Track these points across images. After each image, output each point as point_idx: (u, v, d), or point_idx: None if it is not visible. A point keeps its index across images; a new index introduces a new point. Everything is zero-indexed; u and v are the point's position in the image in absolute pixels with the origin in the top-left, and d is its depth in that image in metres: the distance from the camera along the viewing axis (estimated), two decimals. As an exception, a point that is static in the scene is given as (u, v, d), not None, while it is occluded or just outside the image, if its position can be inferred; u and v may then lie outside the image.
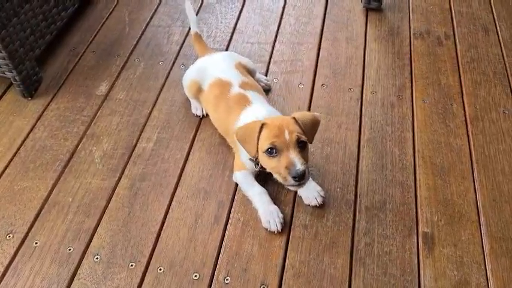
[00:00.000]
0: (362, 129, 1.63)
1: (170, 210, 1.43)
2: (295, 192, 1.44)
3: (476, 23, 2.05)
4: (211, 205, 1.43)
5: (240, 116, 1.41)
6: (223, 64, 1.57)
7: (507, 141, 1.59)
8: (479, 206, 1.42)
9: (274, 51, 1.94)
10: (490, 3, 2.16)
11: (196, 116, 1.67)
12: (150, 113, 1.70)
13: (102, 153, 1.58)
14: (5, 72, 1.68)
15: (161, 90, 1.78)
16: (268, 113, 1.40)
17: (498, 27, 2.03)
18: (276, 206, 1.38)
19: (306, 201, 1.41)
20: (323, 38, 2.00)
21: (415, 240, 1.34)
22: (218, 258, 1.31)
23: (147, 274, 1.29)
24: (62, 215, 1.42)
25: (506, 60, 1.88)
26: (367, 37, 2.00)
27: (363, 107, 1.70)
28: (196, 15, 2.10)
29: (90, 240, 1.36)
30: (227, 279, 1.27)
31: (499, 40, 1.97)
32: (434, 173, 1.50)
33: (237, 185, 1.47)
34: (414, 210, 1.41)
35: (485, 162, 1.53)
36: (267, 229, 1.35)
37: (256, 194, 1.39)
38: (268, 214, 1.35)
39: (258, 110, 1.41)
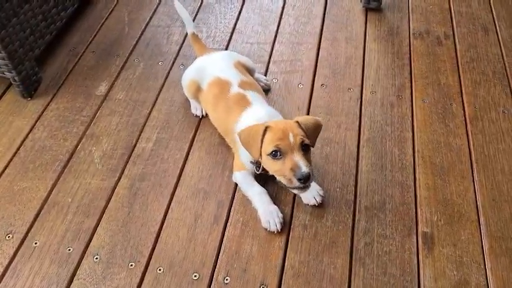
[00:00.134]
0: (361, 129, 1.63)
1: (170, 210, 1.43)
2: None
3: (476, 23, 2.05)
4: (210, 205, 1.43)
5: (240, 117, 1.41)
6: (222, 63, 1.57)
7: (507, 141, 1.59)
8: (479, 205, 1.42)
9: (274, 51, 1.94)
10: (490, 3, 2.16)
11: (196, 116, 1.67)
12: (149, 113, 1.70)
13: (102, 153, 1.58)
14: (5, 73, 1.68)
15: (161, 90, 1.78)
16: (268, 114, 1.40)
17: (498, 27, 2.03)
18: (275, 206, 1.38)
19: (305, 201, 1.41)
20: (322, 38, 2.00)
21: (415, 240, 1.34)
22: (218, 259, 1.31)
23: (146, 274, 1.29)
24: (61, 215, 1.42)
25: (506, 60, 1.88)
26: (367, 37, 2.00)
27: (363, 107, 1.70)
28: (196, 15, 2.11)
29: (90, 241, 1.36)
30: (227, 280, 1.27)
31: (498, 40, 1.97)
32: (434, 173, 1.50)
33: (236, 185, 1.47)
34: (414, 210, 1.41)
35: (485, 162, 1.53)
36: (266, 229, 1.35)
37: (256, 194, 1.39)
38: (268, 214, 1.35)
39: (258, 111, 1.41)
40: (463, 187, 1.46)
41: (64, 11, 1.93)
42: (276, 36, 2.01)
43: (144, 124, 1.66)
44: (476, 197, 1.44)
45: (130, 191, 1.47)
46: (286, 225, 1.37)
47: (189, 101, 1.70)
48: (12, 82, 1.71)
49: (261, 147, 1.26)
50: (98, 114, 1.70)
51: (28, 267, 1.30)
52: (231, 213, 1.41)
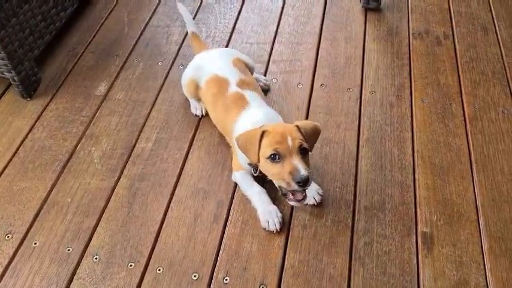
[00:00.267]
0: (361, 129, 1.63)
1: (169, 209, 1.43)
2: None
3: (475, 23, 2.06)
4: (210, 204, 1.43)
5: (239, 117, 1.41)
6: (220, 61, 1.56)
7: (506, 141, 1.59)
8: (479, 205, 1.42)
9: (273, 51, 1.94)
10: (489, 3, 2.16)
11: (196, 115, 1.67)
12: (149, 113, 1.70)
13: (101, 153, 1.58)
14: (4, 73, 1.68)
15: (160, 90, 1.78)
16: (266, 115, 1.40)
17: (497, 27, 2.03)
18: (275, 206, 1.38)
19: (305, 200, 1.40)
20: (322, 38, 2.00)
21: (414, 240, 1.34)
22: (217, 258, 1.31)
23: (146, 274, 1.29)
24: (61, 215, 1.42)
25: (505, 60, 1.88)
26: (366, 37, 2.00)
27: (362, 107, 1.71)
28: (195, 15, 2.11)
29: (89, 240, 1.36)
30: (226, 279, 1.27)
31: (498, 40, 1.97)
32: (434, 173, 1.50)
33: (236, 184, 1.47)
34: (413, 210, 1.41)
35: (485, 162, 1.53)
36: (265, 229, 1.35)
37: (255, 194, 1.39)
38: (267, 214, 1.36)
39: (256, 113, 1.40)
40: (462, 187, 1.46)
41: (63, 11, 1.93)
42: (275, 36, 2.01)
43: (144, 124, 1.66)
44: (475, 197, 1.44)
45: (129, 191, 1.47)
46: (285, 225, 1.37)
47: (188, 101, 1.70)
48: (12, 82, 1.71)
49: (259, 151, 1.25)
50: (97, 114, 1.70)
51: (28, 267, 1.30)
52: (231, 213, 1.41)
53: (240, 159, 1.41)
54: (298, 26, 2.06)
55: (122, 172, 1.52)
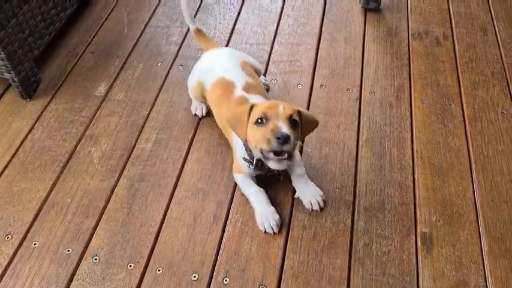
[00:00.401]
0: (360, 130, 1.63)
1: (169, 210, 1.43)
2: (294, 193, 1.44)
3: (475, 23, 2.06)
4: (210, 205, 1.43)
5: None
6: (227, 63, 1.53)
7: (505, 141, 1.60)
8: (478, 206, 1.42)
9: (273, 52, 1.94)
10: (488, 3, 2.16)
11: (195, 115, 1.67)
12: (148, 114, 1.70)
13: (101, 154, 1.58)
14: (4, 73, 1.68)
15: (160, 91, 1.78)
16: None
17: (496, 28, 2.03)
18: (272, 208, 1.37)
19: (307, 206, 1.40)
20: (321, 38, 2.00)
21: (414, 241, 1.34)
22: (217, 259, 1.31)
23: (145, 275, 1.29)
24: (60, 216, 1.42)
25: (505, 61, 1.88)
26: (366, 37, 2.00)
27: (362, 108, 1.71)
28: (195, 15, 2.11)
29: (89, 241, 1.36)
30: (226, 280, 1.27)
31: (497, 40, 1.97)
32: (433, 173, 1.50)
33: (235, 184, 1.47)
34: (413, 211, 1.41)
35: (484, 163, 1.53)
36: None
37: (254, 194, 1.39)
38: (263, 216, 1.35)
39: None
40: (462, 188, 1.46)
41: (63, 12, 1.93)
42: (275, 36, 2.01)
43: (143, 125, 1.66)
44: (475, 198, 1.44)
45: (129, 192, 1.47)
46: (285, 225, 1.37)
47: (188, 102, 1.70)
48: (12, 83, 1.71)
49: (247, 125, 1.24)
50: (97, 114, 1.70)
51: (27, 268, 1.30)
52: (230, 213, 1.41)
53: (238, 158, 1.40)
54: (298, 26, 2.06)
55: (121, 173, 1.52)
